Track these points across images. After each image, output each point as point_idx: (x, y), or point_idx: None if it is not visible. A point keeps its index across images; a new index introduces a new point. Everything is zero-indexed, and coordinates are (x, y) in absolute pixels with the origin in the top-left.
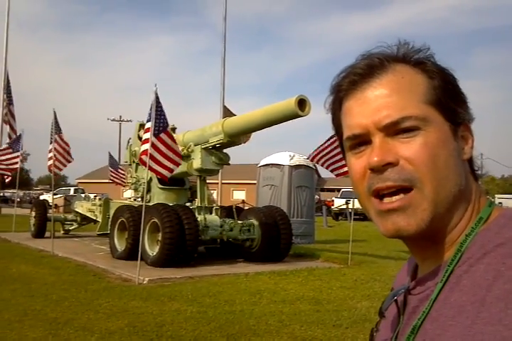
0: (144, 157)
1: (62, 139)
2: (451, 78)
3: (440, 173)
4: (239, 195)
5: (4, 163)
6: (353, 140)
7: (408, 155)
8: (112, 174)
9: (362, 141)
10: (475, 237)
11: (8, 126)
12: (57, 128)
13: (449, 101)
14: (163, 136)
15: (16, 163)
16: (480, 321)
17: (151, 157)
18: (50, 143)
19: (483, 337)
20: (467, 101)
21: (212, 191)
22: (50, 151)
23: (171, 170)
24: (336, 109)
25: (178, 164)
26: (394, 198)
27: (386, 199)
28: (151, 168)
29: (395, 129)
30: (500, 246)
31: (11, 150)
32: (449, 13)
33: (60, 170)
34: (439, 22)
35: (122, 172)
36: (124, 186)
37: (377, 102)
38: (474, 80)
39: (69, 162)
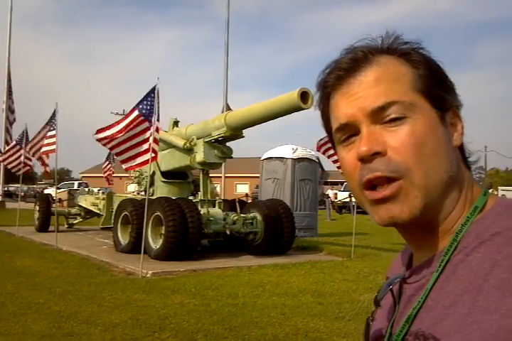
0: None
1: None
2: (436, 66)
3: (429, 161)
4: (242, 189)
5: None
6: (341, 131)
7: (395, 144)
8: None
9: (351, 132)
10: (471, 226)
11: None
12: (52, 122)
13: (435, 88)
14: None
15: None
16: (477, 310)
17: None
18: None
19: (480, 325)
20: (454, 87)
21: (215, 185)
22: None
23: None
24: (324, 106)
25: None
26: (385, 186)
27: (378, 189)
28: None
29: (382, 116)
30: (496, 235)
31: (18, 147)
32: (452, 4)
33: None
34: (443, 13)
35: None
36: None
37: (363, 93)
38: (479, 72)
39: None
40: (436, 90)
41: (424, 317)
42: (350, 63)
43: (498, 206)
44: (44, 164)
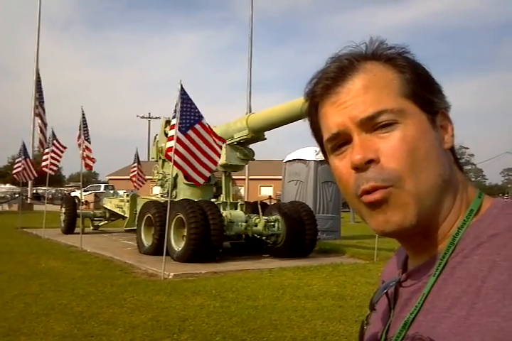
0: (170, 153)
1: (84, 141)
2: (422, 70)
3: (421, 166)
4: (266, 191)
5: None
6: (333, 140)
7: (388, 151)
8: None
9: (342, 141)
10: (468, 229)
11: (39, 119)
12: (84, 129)
13: (423, 92)
14: (190, 133)
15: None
16: (476, 312)
17: (181, 156)
18: (79, 138)
19: (480, 328)
20: (442, 89)
21: (239, 187)
22: (79, 145)
23: (209, 170)
24: (313, 115)
25: (215, 162)
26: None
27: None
28: (180, 168)
29: (372, 124)
30: (494, 237)
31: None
32: (479, 3)
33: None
34: (469, 13)
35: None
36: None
37: (352, 101)
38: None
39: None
40: (424, 94)
41: (421, 321)
42: (337, 72)
43: (494, 208)
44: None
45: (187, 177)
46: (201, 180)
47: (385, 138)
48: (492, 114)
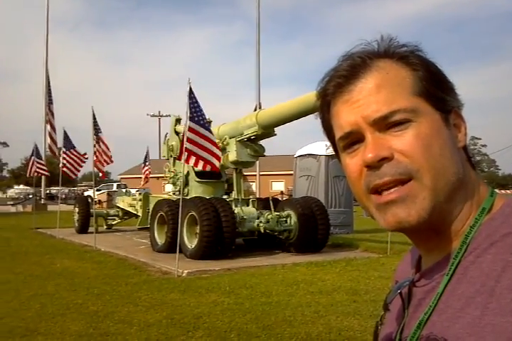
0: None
1: (102, 141)
2: (435, 68)
3: (437, 162)
4: (278, 186)
5: (71, 164)
6: (345, 139)
7: (402, 147)
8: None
9: (355, 140)
10: (480, 228)
11: (49, 125)
12: (96, 128)
13: (436, 90)
14: (199, 127)
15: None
16: (490, 312)
17: (193, 142)
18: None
19: (494, 328)
20: (454, 88)
21: (251, 183)
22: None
23: (211, 164)
24: (325, 113)
25: (218, 157)
26: (392, 190)
27: (384, 193)
28: (193, 154)
29: (385, 124)
30: (507, 236)
31: (64, 150)
32: None
33: (101, 171)
34: (477, 3)
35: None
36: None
37: (365, 100)
38: None
39: (107, 163)
40: (437, 92)
41: (435, 321)
42: (349, 70)
43: (507, 206)
44: (101, 171)
45: (201, 163)
46: (217, 163)
47: (398, 136)
48: (503, 104)
